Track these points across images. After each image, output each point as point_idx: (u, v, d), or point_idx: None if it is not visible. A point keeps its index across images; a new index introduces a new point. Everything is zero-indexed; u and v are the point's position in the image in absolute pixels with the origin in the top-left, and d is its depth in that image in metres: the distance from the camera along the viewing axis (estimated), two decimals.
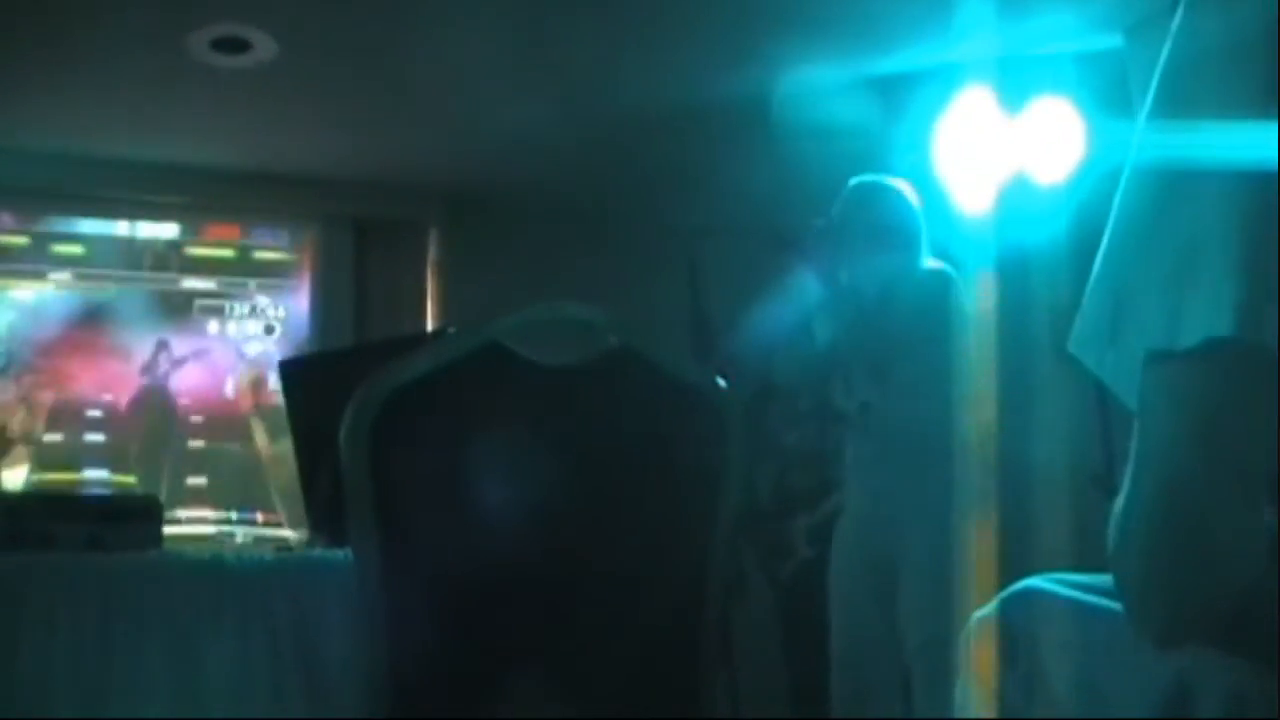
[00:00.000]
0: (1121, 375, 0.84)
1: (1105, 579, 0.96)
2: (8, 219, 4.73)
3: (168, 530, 2.00)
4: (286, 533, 4.56)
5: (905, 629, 2.86)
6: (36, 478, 4.51)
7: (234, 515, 4.73)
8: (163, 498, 3.87)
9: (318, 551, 1.89)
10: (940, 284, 3.01)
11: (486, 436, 1.50)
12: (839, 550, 3.08)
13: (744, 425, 1.68)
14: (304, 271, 5.06)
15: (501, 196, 4.90)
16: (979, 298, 3.04)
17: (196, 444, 4.81)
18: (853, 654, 2.98)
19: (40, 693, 1.48)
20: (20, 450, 4.53)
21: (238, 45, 3.73)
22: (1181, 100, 0.82)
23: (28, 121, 4.18)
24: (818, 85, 3.82)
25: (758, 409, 4.33)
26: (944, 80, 3.66)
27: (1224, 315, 0.75)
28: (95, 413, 4.69)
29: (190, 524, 4.63)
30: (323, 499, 2.09)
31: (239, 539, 4.66)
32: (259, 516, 4.73)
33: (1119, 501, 0.86)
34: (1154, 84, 0.84)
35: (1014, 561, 2.31)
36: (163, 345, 4.81)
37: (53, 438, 4.60)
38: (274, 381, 4.60)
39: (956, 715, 1.12)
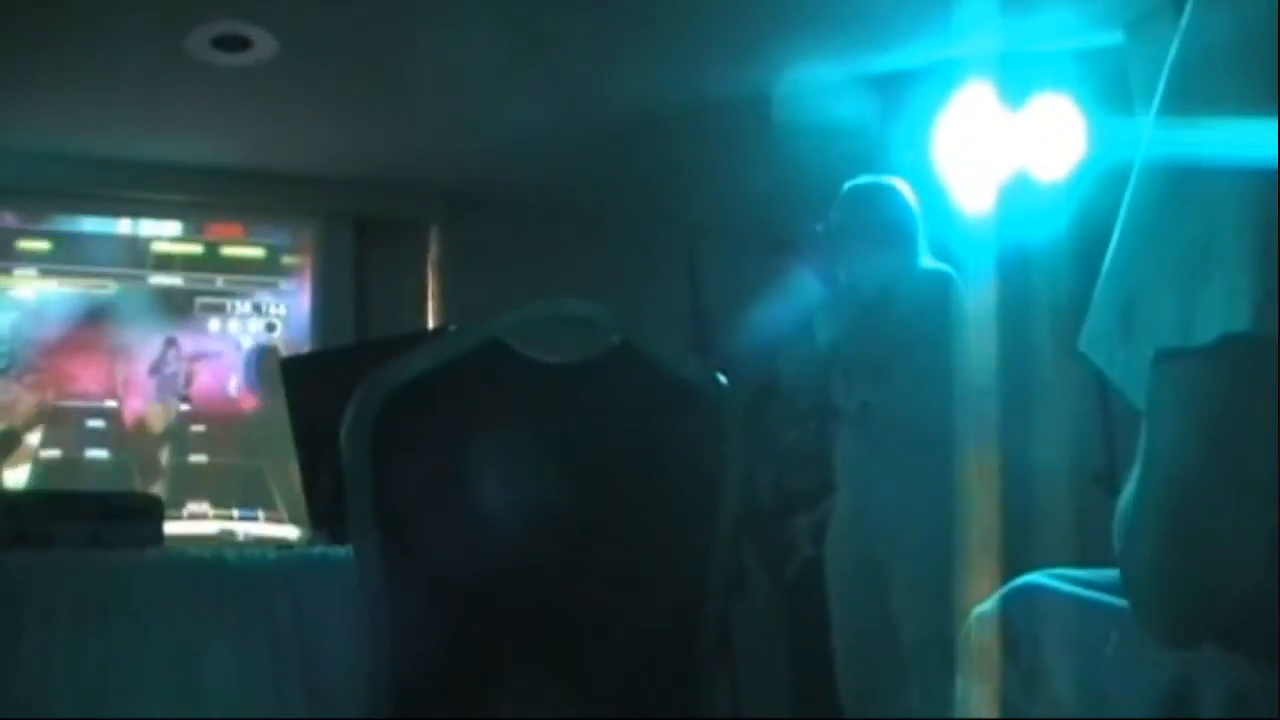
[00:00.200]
0: (1131, 374, 0.83)
1: (1107, 574, 0.96)
2: (9, 218, 4.73)
3: (168, 529, 2.00)
4: (288, 531, 4.56)
5: (899, 627, 2.87)
6: (38, 476, 4.51)
7: (235, 514, 4.74)
8: (164, 496, 3.87)
9: (319, 550, 1.88)
10: (940, 284, 3.02)
11: (487, 435, 1.50)
12: (832, 548, 3.10)
13: (744, 424, 1.68)
14: (305, 270, 5.07)
15: (502, 195, 4.90)
16: (979, 296, 3.05)
17: (198, 442, 4.81)
18: (854, 650, 2.99)
19: (41, 692, 1.48)
20: (22, 449, 4.53)
21: (238, 43, 3.73)
22: (1192, 96, 0.82)
23: (28, 120, 4.18)
24: (817, 83, 3.82)
25: (758, 408, 4.33)
26: (944, 77, 3.66)
27: (1239, 311, 0.74)
28: (97, 412, 4.69)
29: (191, 522, 4.64)
30: (324, 497, 2.09)
31: (240, 538, 4.66)
32: (260, 515, 4.73)
33: (1126, 500, 0.85)
34: (1163, 80, 0.84)
35: (1015, 560, 2.31)
36: (171, 343, 4.82)
37: (54, 437, 4.60)
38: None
39: (957, 712, 1.12)
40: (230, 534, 4.68)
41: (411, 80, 3.96)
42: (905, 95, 3.79)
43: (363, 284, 5.05)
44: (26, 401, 4.57)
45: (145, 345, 4.78)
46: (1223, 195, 0.78)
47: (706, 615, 1.63)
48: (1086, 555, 1.08)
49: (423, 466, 1.47)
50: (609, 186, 4.77)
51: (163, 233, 4.93)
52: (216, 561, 1.66)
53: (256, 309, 4.99)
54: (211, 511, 4.71)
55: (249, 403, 4.89)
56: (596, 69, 3.94)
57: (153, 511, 1.92)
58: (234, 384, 4.89)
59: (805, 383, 3.23)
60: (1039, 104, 3.62)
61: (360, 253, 5.06)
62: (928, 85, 3.70)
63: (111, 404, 4.71)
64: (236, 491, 4.77)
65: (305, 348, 4.87)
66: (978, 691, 1.09)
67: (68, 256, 4.76)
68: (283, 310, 5.02)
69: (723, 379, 1.65)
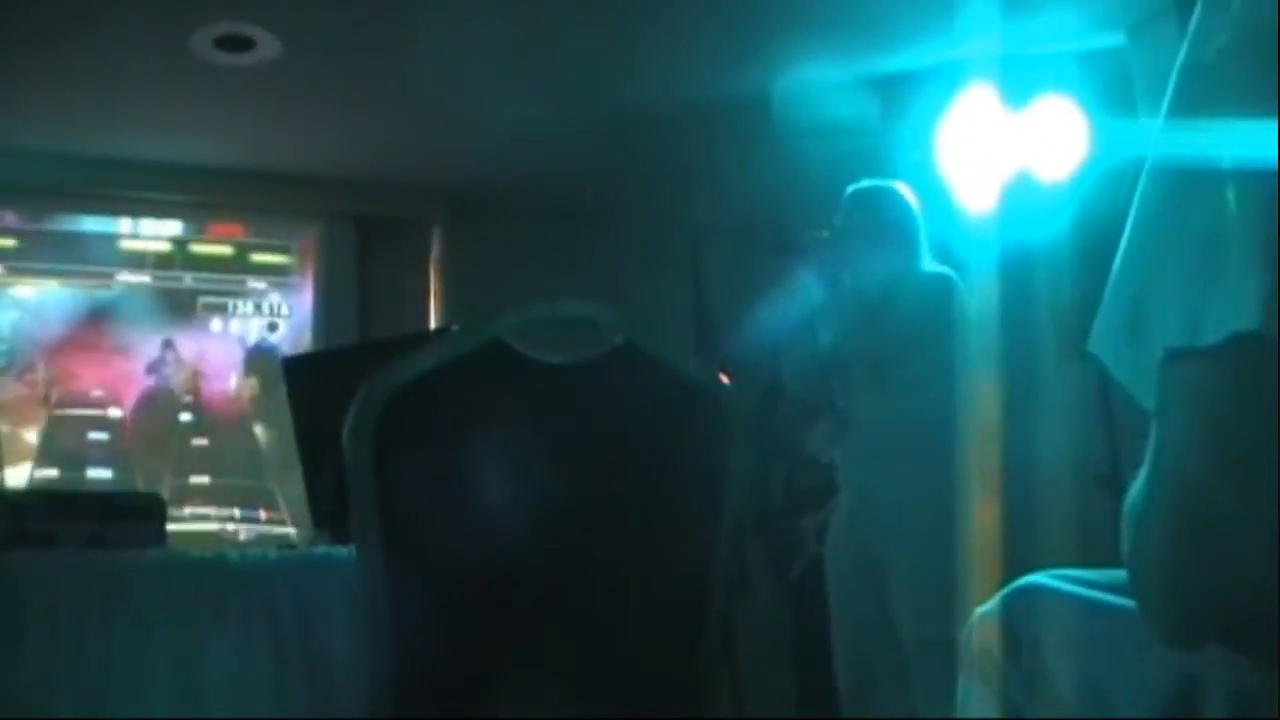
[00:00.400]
0: (1140, 374, 0.83)
1: (1108, 574, 0.96)
2: (10, 218, 4.73)
3: (170, 528, 2.00)
4: (290, 531, 4.56)
5: (900, 627, 2.87)
6: (39, 476, 4.51)
7: (237, 513, 4.74)
8: (166, 496, 3.87)
9: (321, 549, 1.89)
10: (941, 287, 3.03)
11: (489, 434, 1.50)
12: (832, 548, 3.11)
13: (748, 423, 1.67)
14: (307, 270, 5.07)
15: (504, 195, 4.90)
16: (982, 296, 3.05)
17: (200, 442, 4.82)
18: (854, 648, 2.99)
19: (43, 691, 1.48)
20: (23, 448, 4.53)
21: (241, 43, 3.74)
22: (1202, 98, 0.82)
23: (30, 120, 4.19)
24: (820, 84, 3.82)
25: (765, 409, 4.34)
26: (947, 79, 3.66)
27: (1249, 310, 0.74)
28: (98, 411, 4.69)
29: (193, 522, 4.64)
30: (326, 497, 2.09)
31: (242, 537, 4.66)
32: (262, 514, 4.74)
33: (1134, 499, 0.85)
34: (1172, 82, 0.84)
35: (1016, 561, 2.30)
36: (168, 344, 4.82)
37: (55, 436, 4.60)
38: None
39: (959, 712, 1.12)
40: (232, 533, 4.69)
41: (414, 81, 3.96)
42: (908, 96, 3.80)
43: (365, 284, 5.05)
44: (27, 400, 4.57)
45: (146, 345, 4.79)
46: (1232, 196, 0.78)
47: (709, 615, 1.63)
48: (1088, 555, 1.08)
49: (425, 466, 1.47)
50: (612, 186, 4.77)
51: (165, 232, 4.94)
52: (218, 561, 1.66)
53: (258, 309, 5.00)
54: (213, 512, 4.72)
55: (249, 401, 4.89)
56: (600, 69, 3.95)
57: (154, 511, 1.92)
58: (234, 383, 4.89)
59: (809, 383, 3.24)
60: (1041, 105, 3.62)
61: (362, 253, 5.06)
62: (931, 86, 3.70)
63: (113, 403, 4.71)
64: (237, 491, 4.77)
65: (307, 348, 4.87)
66: (979, 692, 1.09)
67: (69, 256, 4.76)
68: (285, 310, 5.02)
69: (725, 379, 1.65)
